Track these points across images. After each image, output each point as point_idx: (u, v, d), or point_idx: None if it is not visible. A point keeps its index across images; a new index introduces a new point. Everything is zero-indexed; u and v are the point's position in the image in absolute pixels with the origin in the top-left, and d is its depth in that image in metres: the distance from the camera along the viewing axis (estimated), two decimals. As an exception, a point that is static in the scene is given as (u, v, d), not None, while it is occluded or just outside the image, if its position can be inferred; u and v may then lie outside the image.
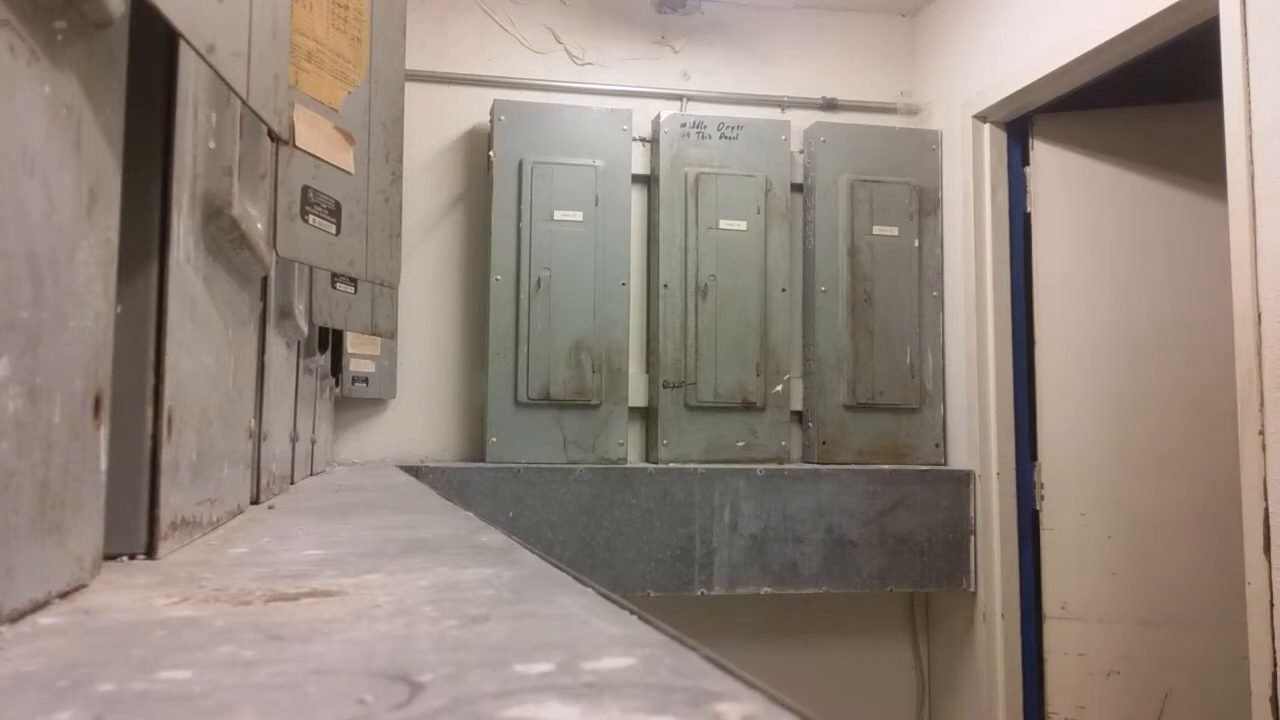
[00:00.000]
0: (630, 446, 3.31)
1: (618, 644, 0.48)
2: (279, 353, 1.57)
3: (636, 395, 3.35)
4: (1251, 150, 2.20)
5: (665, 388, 3.28)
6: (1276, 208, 2.14)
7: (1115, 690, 3.02)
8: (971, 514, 3.23)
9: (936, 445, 3.43)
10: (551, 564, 0.76)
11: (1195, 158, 3.05)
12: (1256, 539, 2.12)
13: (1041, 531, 3.18)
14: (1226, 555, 2.70)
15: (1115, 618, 3.04)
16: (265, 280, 1.41)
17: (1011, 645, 3.14)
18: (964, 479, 3.26)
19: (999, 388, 3.23)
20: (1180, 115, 3.16)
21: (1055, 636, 3.11)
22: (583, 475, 3.03)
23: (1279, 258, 2.13)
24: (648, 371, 3.40)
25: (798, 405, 3.45)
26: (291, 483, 1.84)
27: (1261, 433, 2.13)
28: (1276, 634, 2.09)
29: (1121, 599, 3.04)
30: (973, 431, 3.26)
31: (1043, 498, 3.18)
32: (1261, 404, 2.14)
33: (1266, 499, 2.11)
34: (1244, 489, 2.17)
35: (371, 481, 2.14)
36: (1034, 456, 3.23)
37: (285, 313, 1.55)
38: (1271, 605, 2.09)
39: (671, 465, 3.17)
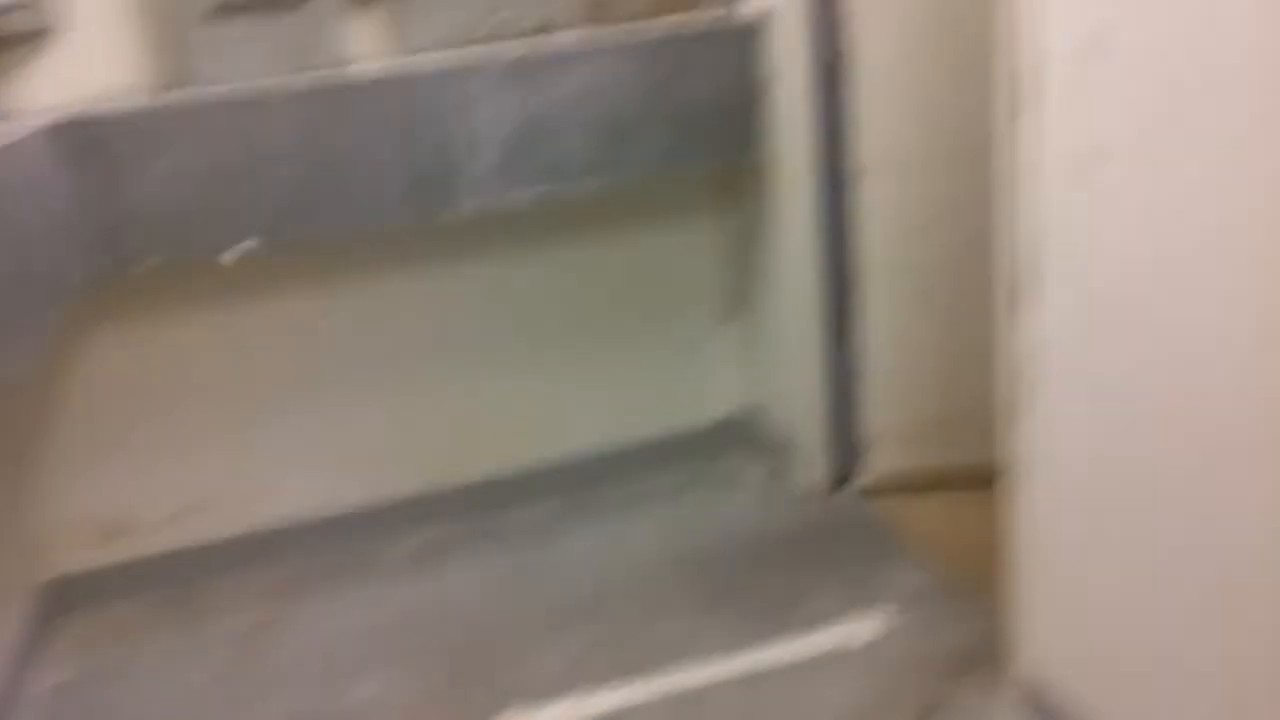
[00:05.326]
0: (357, 46, 2.73)
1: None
2: None
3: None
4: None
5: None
6: None
7: (929, 244, 2.85)
8: (765, 72, 2.80)
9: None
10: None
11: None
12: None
13: (851, 81, 2.79)
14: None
15: (927, 173, 2.80)
16: None
17: (813, 207, 2.87)
18: (758, 30, 2.80)
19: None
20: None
21: (865, 193, 2.86)
22: (297, 95, 2.48)
23: None
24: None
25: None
26: None
27: None
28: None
29: (932, 152, 2.77)
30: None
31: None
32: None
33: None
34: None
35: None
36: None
37: None
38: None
39: (409, 63, 2.64)
